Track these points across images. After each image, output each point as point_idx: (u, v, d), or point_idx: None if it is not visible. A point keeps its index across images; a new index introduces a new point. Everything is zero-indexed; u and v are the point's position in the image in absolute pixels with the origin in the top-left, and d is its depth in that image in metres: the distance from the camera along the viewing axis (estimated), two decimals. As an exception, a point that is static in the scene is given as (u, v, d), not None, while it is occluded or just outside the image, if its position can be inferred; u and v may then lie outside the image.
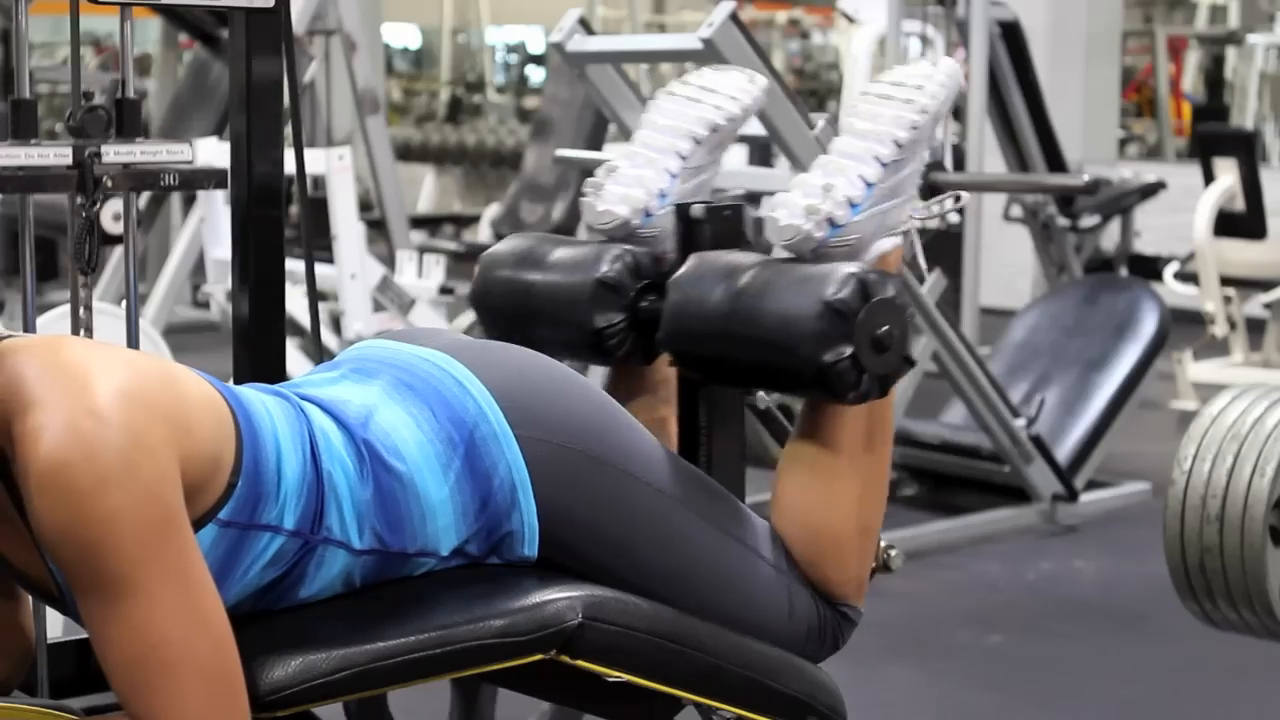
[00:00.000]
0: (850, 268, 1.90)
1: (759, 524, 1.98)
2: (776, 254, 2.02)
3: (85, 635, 1.59)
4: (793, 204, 1.97)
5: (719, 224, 2.10)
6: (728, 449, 2.06)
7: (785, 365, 1.90)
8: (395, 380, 1.79)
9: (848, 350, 1.87)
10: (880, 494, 2.02)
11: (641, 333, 2.08)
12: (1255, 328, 6.91)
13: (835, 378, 1.87)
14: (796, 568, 1.97)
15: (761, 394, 2.16)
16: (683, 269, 2.02)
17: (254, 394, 1.71)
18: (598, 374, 4.32)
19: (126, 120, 2.14)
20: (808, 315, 1.87)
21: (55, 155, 2.07)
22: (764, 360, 1.93)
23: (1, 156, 2.04)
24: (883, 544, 2.08)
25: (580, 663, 1.73)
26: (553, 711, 2.28)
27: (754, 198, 4.84)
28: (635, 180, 2.12)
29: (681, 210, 2.11)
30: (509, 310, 2.16)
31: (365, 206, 7.14)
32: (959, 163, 5.99)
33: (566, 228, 7.17)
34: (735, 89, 2.18)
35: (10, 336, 1.60)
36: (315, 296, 2.30)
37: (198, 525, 1.58)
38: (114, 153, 2.10)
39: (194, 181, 2.24)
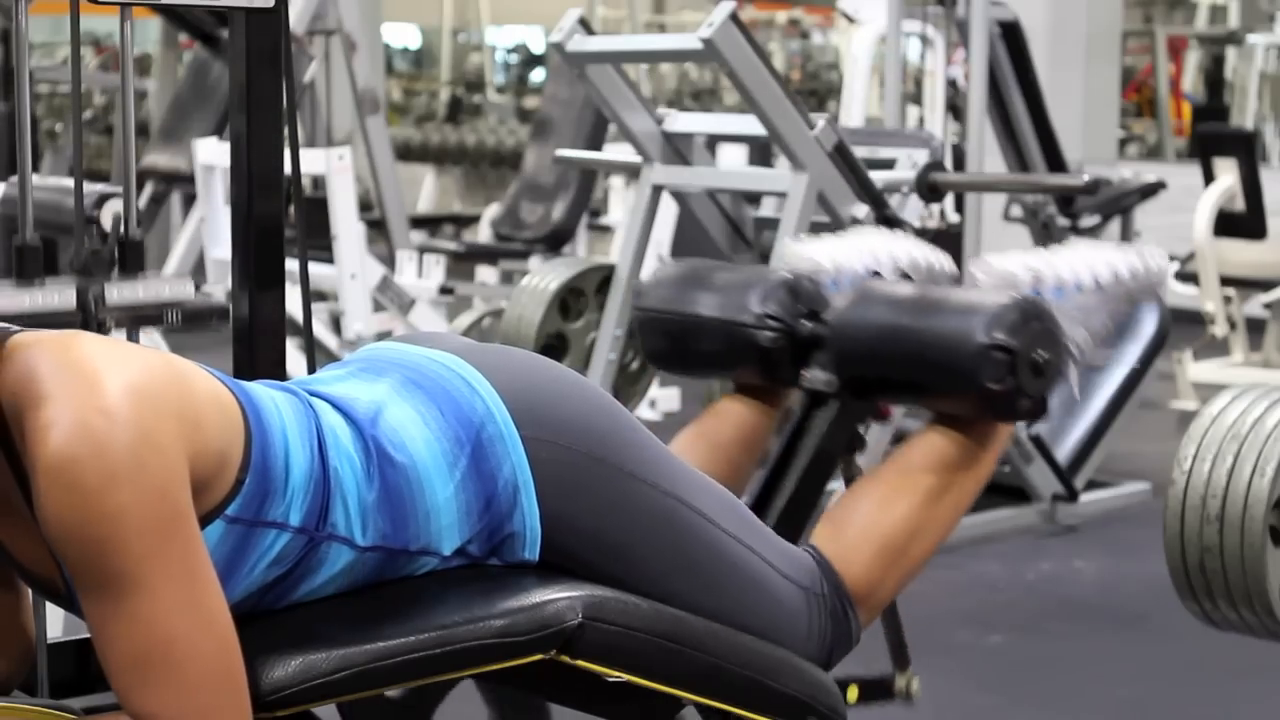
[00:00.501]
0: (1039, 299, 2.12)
1: (761, 528, 1.99)
2: None
3: (85, 635, 1.59)
4: (1012, 258, 2.20)
5: None
6: (812, 486, 2.20)
7: (952, 337, 2.04)
8: (404, 379, 1.80)
9: (1012, 343, 2.01)
10: (939, 536, 2.13)
11: (791, 346, 2.23)
12: (1255, 328, 6.91)
13: (990, 364, 2.01)
14: (809, 568, 2.00)
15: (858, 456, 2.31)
16: (861, 286, 2.24)
17: (263, 390, 1.72)
18: (596, 374, 4.32)
19: (129, 259, 2.14)
20: (996, 300, 2.06)
21: (60, 298, 2.06)
22: (930, 336, 2.06)
23: (5, 301, 2.03)
24: (910, 671, 2.18)
25: (580, 663, 1.73)
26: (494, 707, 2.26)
27: (754, 198, 4.84)
28: (842, 251, 2.33)
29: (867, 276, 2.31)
30: (675, 296, 2.34)
31: (365, 206, 7.14)
32: (959, 163, 5.99)
33: (566, 229, 7.16)
34: (939, 257, 2.41)
35: (22, 331, 1.61)
36: (308, 297, 2.31)
37: (205, 521, 1.58)
38: (118, 293, 2.10)
39: (198, 316, 2.25)
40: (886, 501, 2.09)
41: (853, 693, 2.10)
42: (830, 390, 2.21)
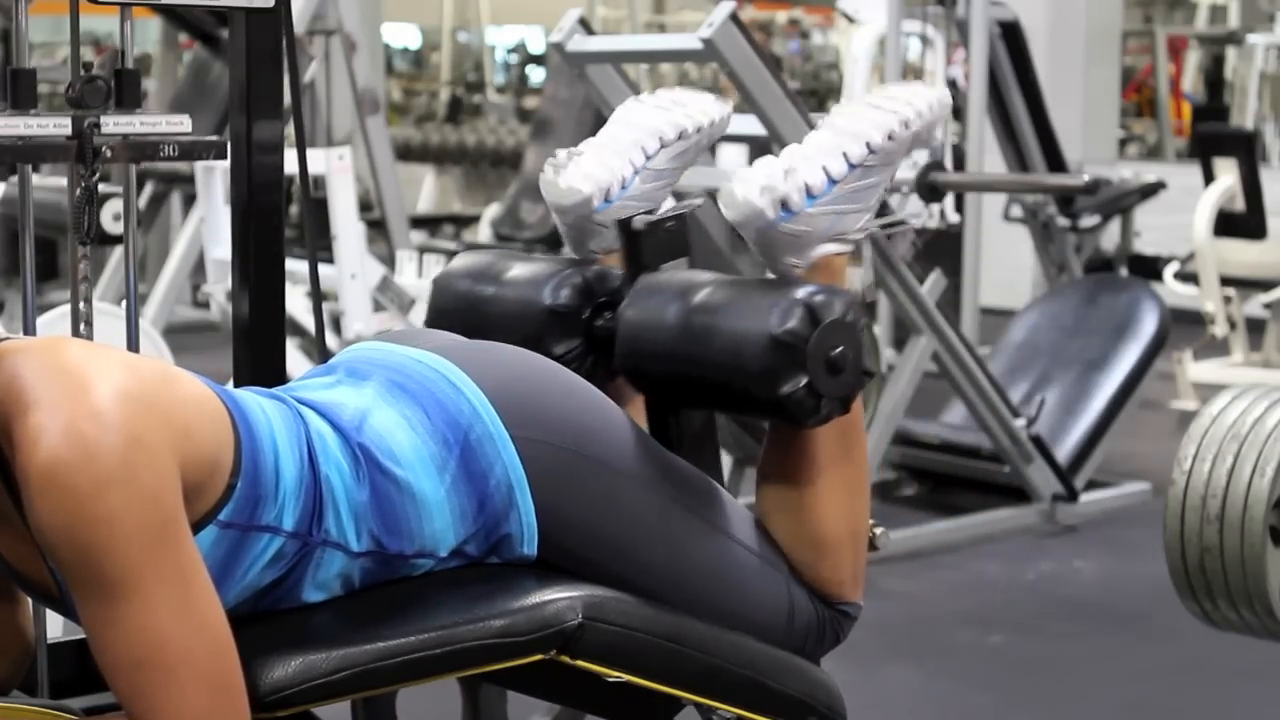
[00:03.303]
0: (797, 292, 1.89)
1: (756, 523, 1.98)
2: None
3: (84, 636, 1.60)
4: (750, 180, 1.95)
5: (661, 236, 2.09)
6: (702, 461, 2.05)
7: (743, 398, 1.90)
8: (389, 382, 1.79)
9: (803, 380, 1.85)
10: (863, 495, 2.02)
11: (601, 352, 2.07)
12: (1255, 328, 6.91)
13: (794, 406, 1.86)
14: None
15: None
16: (633, 293, 2.01)
17: (251, 396, 1.72)
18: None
19: (126, 91, 2.13)
20: (758, 352, 1.85)
21: (54, 125, 2.06)
22: (723, 390, 1.92)
23: (0, 126, 2.03)
24: (869, 522, 2.07)
25: (580, 663, 1.73)
26: (558, 712, 2.28)
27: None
28: (600, 164, 2.11)
29: (624, 224, 2.10)
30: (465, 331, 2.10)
31: (365, 206, 7.13)
32: (959, 163, 5.99)
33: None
34: (705, 106, 2.19)
35: (9, 338, 1.60)
36: (319, 297, 2.30)
37: (198, 526, 1.58)
38: (113, 123, 2.09)
39: (193, 152, 2.22)
40: (802, 518, 1.97)
41: None
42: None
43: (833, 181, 1.96)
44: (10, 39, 2.83)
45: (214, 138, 2.25)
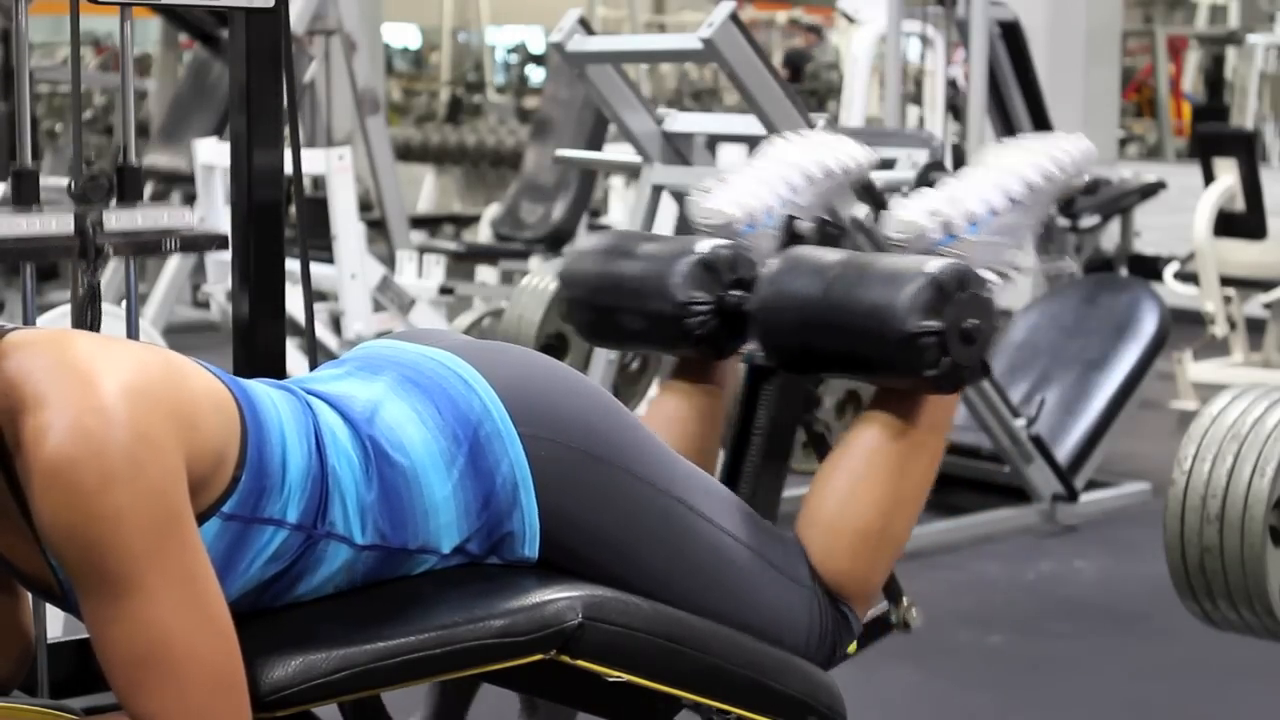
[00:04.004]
0: (954, 259, 2.00)
1: (761, 524, 1.98)
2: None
3: (85, 635, 1.60)
4: (916, 205, 2.08)
5: (821, 239, 2.20)
6: (776, 455, 2.13)
7: (874, 328, 1.96)
8: (401, 377, 1.80)
9: (938, 324, 1.93)
10: (914, 509, 2.07)
11: (722, 322, 2.14)
12: (1255, 328, 6.91)
13: (919, 350, 1.93)
14: (807, 563, 1.99)
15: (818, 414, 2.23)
16: (783, 254, 2.10)
17: (260, 387, 1.72)
18: (596, 374, 4.32)
19: (128, 187, 2.14)
20: (908, 283, 1.94)
21: (57, 224, 2.06)
22: (853, 325, 1.98)
23: (3, 225, 2.03)
24: (905, 601, 2.12)
25: (580, 663, 1.73)
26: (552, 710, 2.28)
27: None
28: (748, 191, 2.21)
29: (789, 222, 2.20)
30: (597, 280, 2.24)
31: (365, 206, 7.14)
32: (959, 162, 6.00)
33: (566, 229, 7.16)
34: (852, 150, 2.31)
35: (15, 329, 1.60)
36: (309, 296, 2.31)
37: (202, 519, 1.58)
38: (115, 219, 2.09)
39: (196, 245, 2.24)
40: (852, 490, 2.02)
41: (852, 645, 2.08)
42: (772, 364, 2.15)
43: (993, 213, 2.08)
44: (10, 39, 2.82)
45: (216, 231, 2.26)
